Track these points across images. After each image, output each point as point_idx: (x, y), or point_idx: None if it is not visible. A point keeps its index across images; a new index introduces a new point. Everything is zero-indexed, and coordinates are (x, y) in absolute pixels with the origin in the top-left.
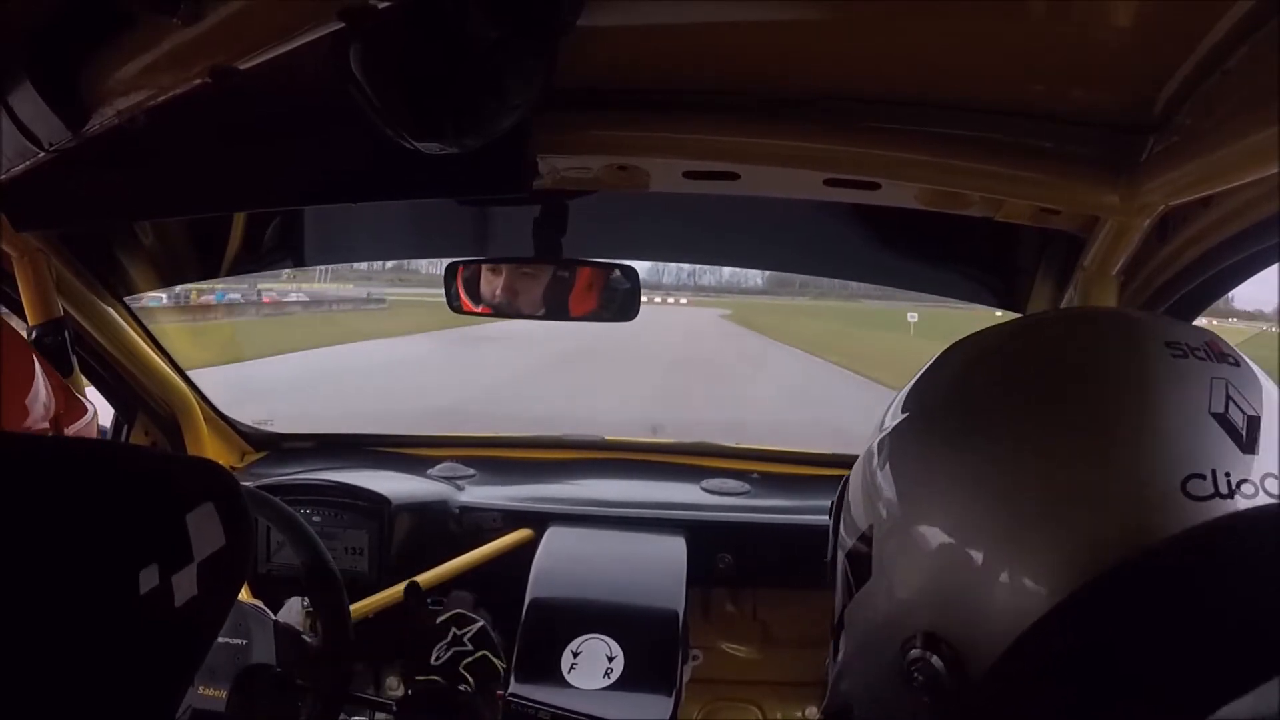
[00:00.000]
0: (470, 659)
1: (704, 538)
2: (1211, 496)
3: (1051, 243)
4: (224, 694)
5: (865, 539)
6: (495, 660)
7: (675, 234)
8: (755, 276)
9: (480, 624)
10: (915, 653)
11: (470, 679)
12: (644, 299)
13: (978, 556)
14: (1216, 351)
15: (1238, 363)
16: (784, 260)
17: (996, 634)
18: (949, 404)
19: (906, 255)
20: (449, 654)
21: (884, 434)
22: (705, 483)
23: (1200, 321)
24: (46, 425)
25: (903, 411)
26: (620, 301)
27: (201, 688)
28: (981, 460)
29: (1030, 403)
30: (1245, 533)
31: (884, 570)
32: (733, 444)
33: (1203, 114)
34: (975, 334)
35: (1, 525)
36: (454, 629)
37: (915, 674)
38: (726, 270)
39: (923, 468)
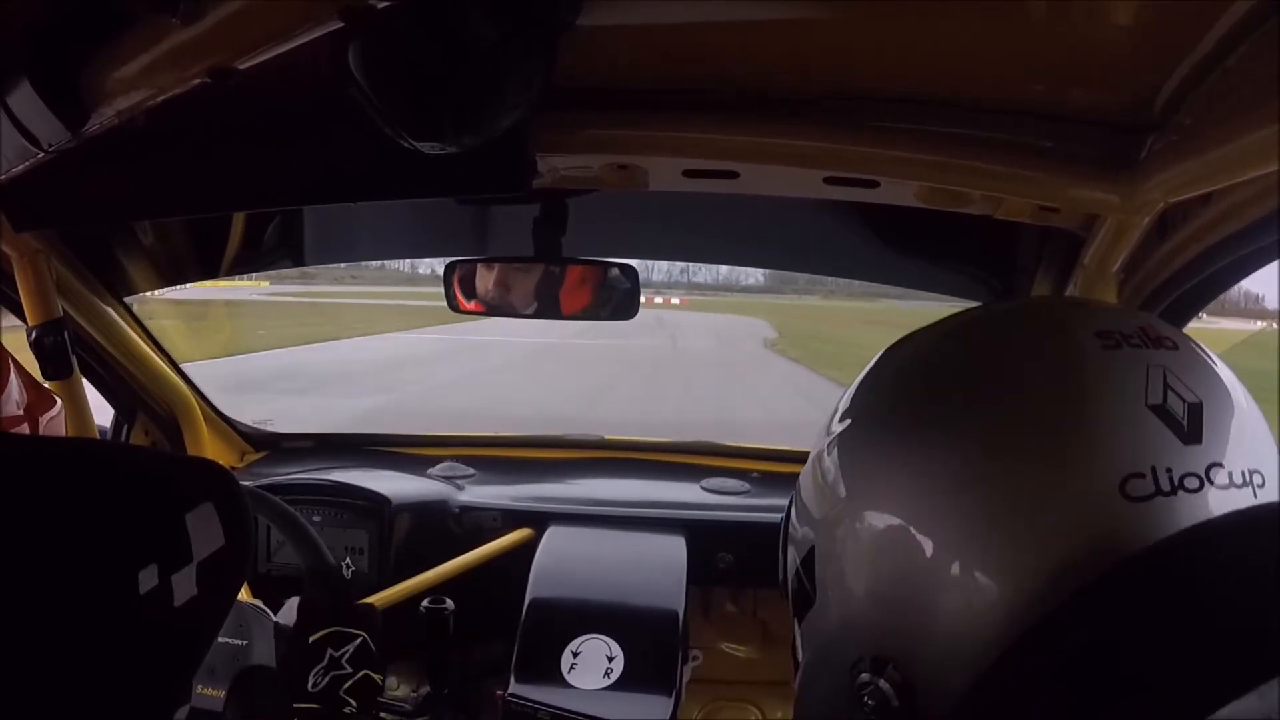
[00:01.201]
0: (350, 681)
1: (704, 537)
2: (1153, 495)
3: (1051, 241)
4: (223, 693)
5: (809, 558)
6: (375, 676)
7: (675, 233)
8: (755, 272)
9: (359, 639)
10: (864, 677)
11: (352, 702)
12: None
13: (921, 560)
14: (1152, 336)
15: (1176, 345)
16: (783, 259)
17: (943, 645)
18: (887, 406)
19: (906, 253)
20: (327, 679)
21: (825, 443)
22: (705, 482)
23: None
24: (20, 414)
25: (844, 419)
26: (619, 301)
27: (200, 688)
28: (919, 465)
29: (966, 403)
30: (1242, 532)
31: (827, 589)
32: (732, 443)
33: (1202, 112)
34: (913, 333)
35: (1, 525)
36: (330, 650)
37: (865, 698)
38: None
39: (860, 476)
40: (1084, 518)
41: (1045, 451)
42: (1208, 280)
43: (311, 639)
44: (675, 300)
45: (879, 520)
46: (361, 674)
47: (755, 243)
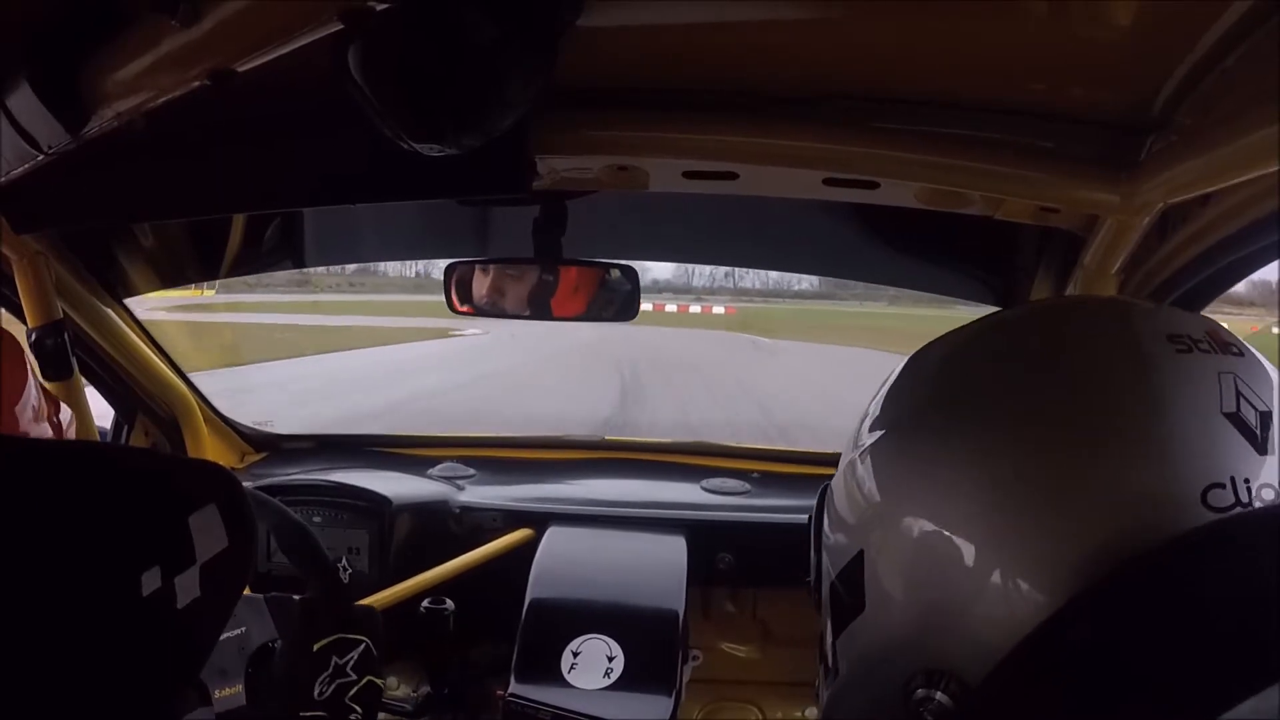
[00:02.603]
0: (356, 689)
1: (704, 537)
2: (1233, 506)
3: (1051, 241)
4: (240, 688)
5: (855, 565)
6: (378, 682)
7: (675, 234)
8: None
9: (363, 645)
10: (920, 693)
11: (357, 709)
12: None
13: (980, 567)
14: (1220, 342)
15: (1242, 352)
16: (784, 260)
17: (1000, 648)
18: (935, 409)
19: (906, 254)
20: (333, 688)
21: (859, 452)
22: (705, 482)
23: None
24: (49, 429)
25: (875, 429)
26: (620, 302)
27: (218, 691)
28: (977, 461)
29: (1029, 398)
30: (1250, 533)
31: (879, 601)
32: (732, 443)
33: (1202, 113)
34: (944, 336)
35: (5, 527)
36: (334, 658)
37: (924, 713)
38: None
39: (907, 482)
40: (1166, 525)
41: (1126, 457)
42: (1208, 281)
43: (316, 647)
44: (719, 309)
45: (932, 531)
46: (366, 680)
47: (756, 243)
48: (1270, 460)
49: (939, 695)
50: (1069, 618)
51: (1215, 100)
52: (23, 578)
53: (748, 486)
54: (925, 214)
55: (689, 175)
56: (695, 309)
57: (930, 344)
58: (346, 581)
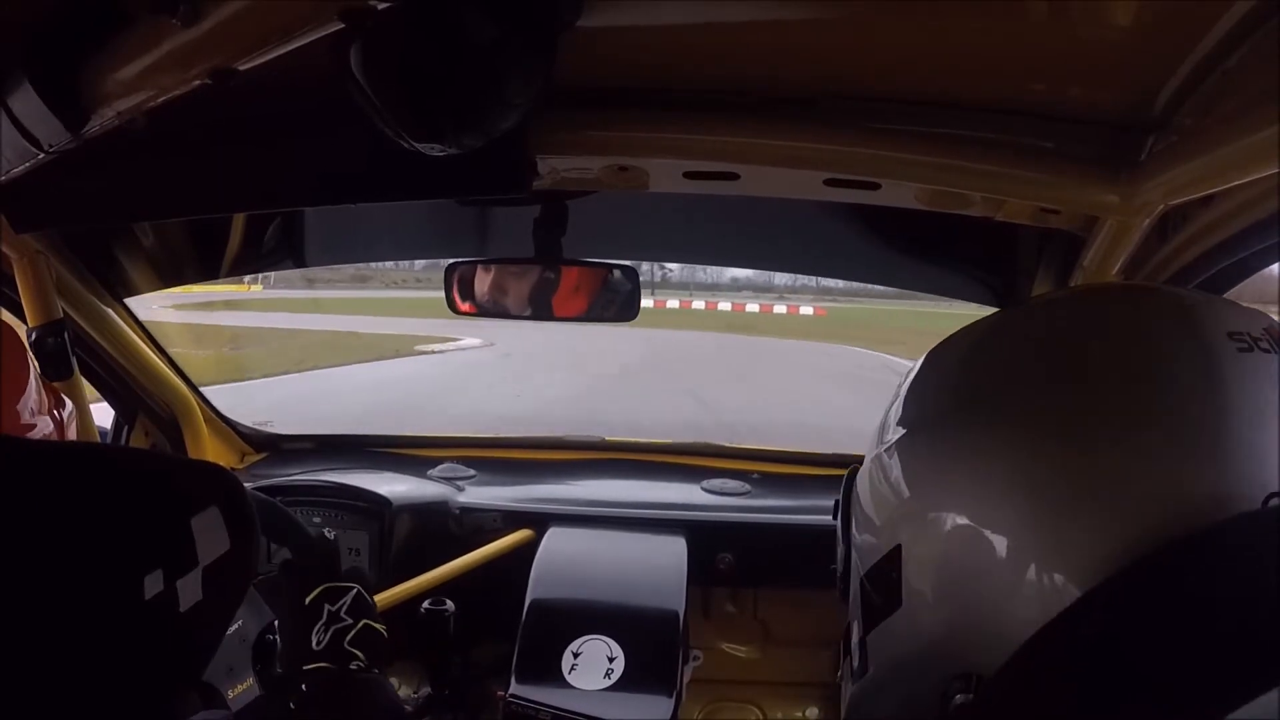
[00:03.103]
0: (353, 632)
1: (704, 538)
2: None
3: (1051, 242)
4: (251, 681)
5: (890, 562)
6: (376, 625)
7: (675, 234)
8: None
9: (354, 590)
10: (960, 699)
11: (359, 654)
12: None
13: (1016, 567)
14: (1277, 337)
15: None
16: (784, 260)
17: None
18: (970, 401)
19: (906, 255)
20: (330, 634)
21: (885, 447)
22: (705, 483)
23: None
24: (49, 422)
25: (904, 424)
26: (621, 302)
27: (230, 691)
28: (1019, 458)
29: (1077, 391)
30: (1256, 533)
31: (914, 599)
32: (732, 444)
33: (1202, 113)
34: (964, 329)
35: (6, 529)
36: (327, 605)
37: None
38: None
39: (944, 478)
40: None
41: (1188, 458)
42: (1208, 282)
43: (308, 600)
44: (806, 309)
45: (976, 525)
46: (362, 624)
47: (756, 244)
48: None
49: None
50: (1080, 613)
51: (1216, 101)
52: (25, 581)
53: (748, 487)
54: (926, 215)
55: (689, 176)
56: (780, 309)
57: (949, 339)
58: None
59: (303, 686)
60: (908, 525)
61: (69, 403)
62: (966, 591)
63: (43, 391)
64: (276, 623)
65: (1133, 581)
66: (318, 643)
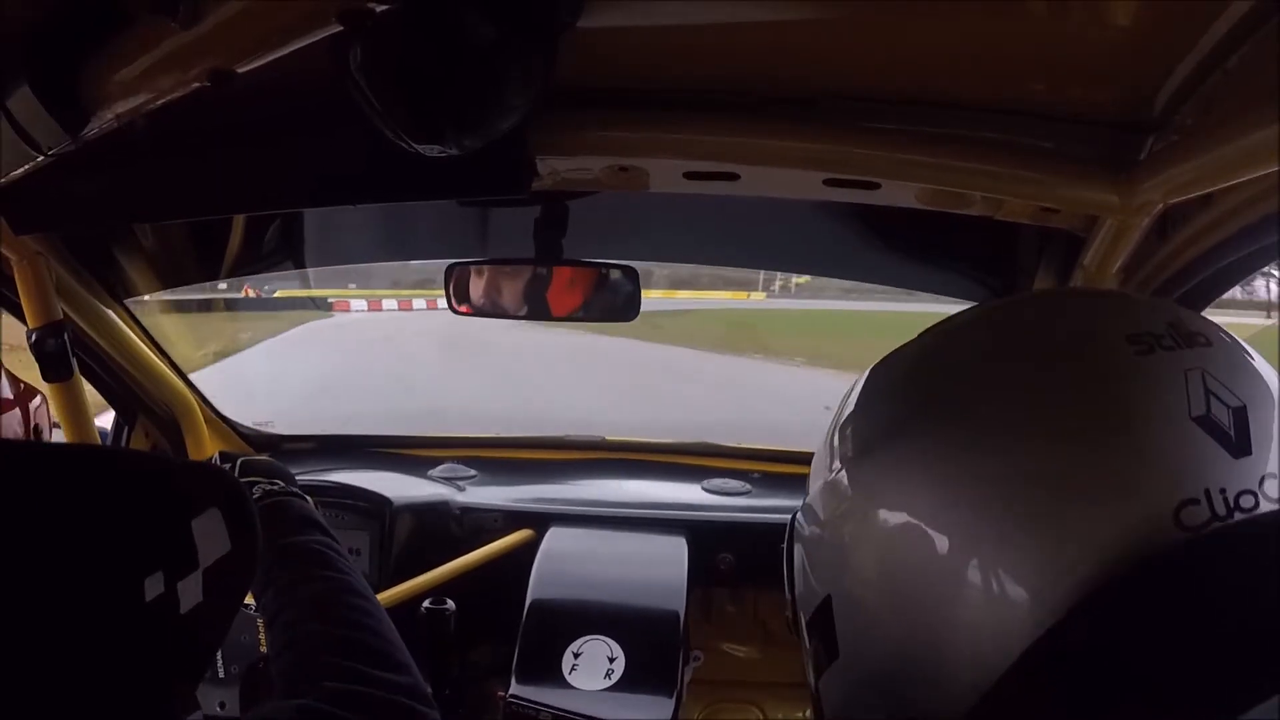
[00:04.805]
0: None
1: (705, 538)
2: (1208, 522)
3: (1051, 241)
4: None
5: (825, 609)
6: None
7: (675, 234)
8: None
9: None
10: None
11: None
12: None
13: (936, 569)
14: (1184, 334)
15: (1210, 341)
16: (784, 260)
17: (966, 659)
18: (891, 429)
19: (906, 254)
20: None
21: (828, 479)
22: (706, 483)
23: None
24: (16, 415)
25: (848, 447)
26: (622, 302)
27: (221, 706)
28: (946, 488)
29: (994, 414)
30: (1255, 539)
31: (850, 643)
32: (733, 443)
33: (1202, 113)
34: (899, 349)
35: (6, 531)
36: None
37: None
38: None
39: (882, 500)
40: (1134, 545)
41: (1089, 480)
42: (1208, 281)
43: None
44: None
45: (896, 533)
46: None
47: (757, 244)
48: (1248, 463)
49: None
50: (1069, 627)
51: (1216, 100)
52: (24, 582)
53: (748, 487)
54: (926, 214)
55: (689, 176)
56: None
57: (883, 361)
58: None
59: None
60: (845, 566)
61: (38, 394)
62: (907, 626)
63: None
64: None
65: (1127, 590)
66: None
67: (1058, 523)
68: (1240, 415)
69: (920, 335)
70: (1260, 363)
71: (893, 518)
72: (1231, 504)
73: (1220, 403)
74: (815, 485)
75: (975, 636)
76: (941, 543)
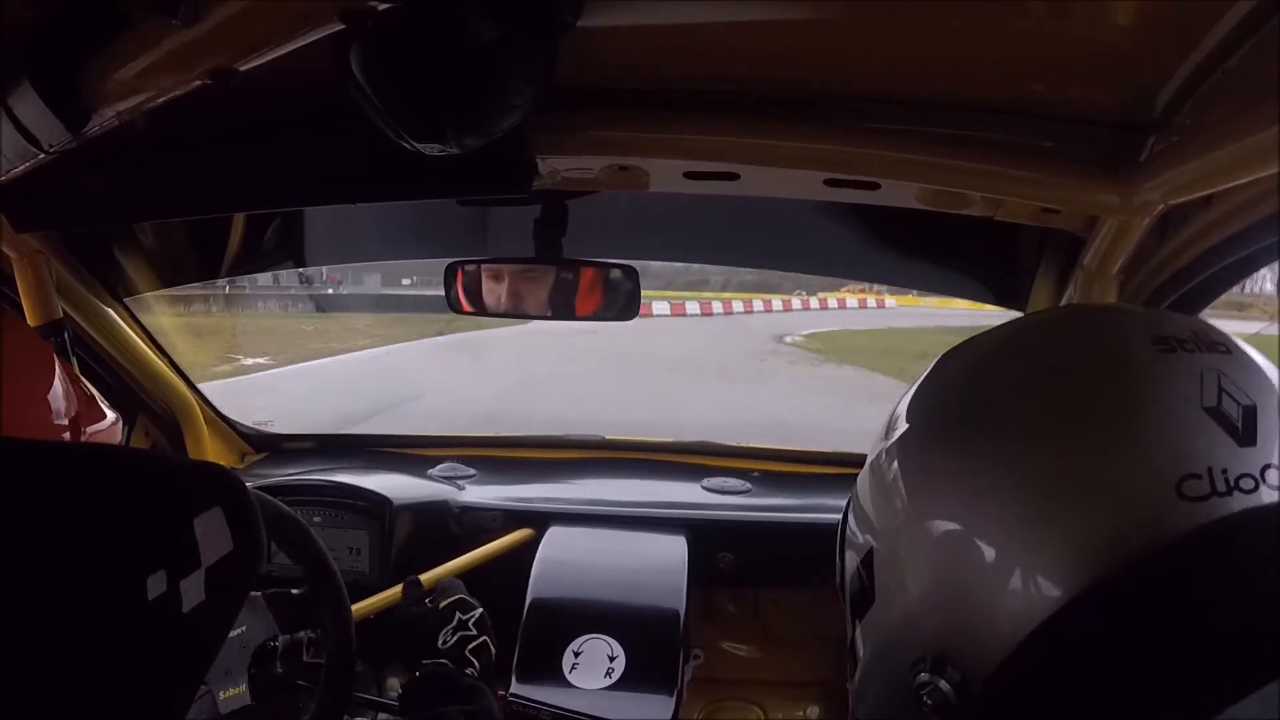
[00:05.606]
0: (475, 643)
1: (705, 537)
2: (1208, 496)
3: (1052, 242)
4: (244, 688)
5: (869, 559)
6: (492, 646)
7: (676, 234)
8: None
9: (480, 610)
10: (923, 677)
11: (475, 663)
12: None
13: (981, 560)
14: (1206, 341)
15: (1229, 350)
16: (784, 260)
17: (1001, 643)
18: (941, 413)
19: (907, 254)
20: (455, 638)
21: (882, 448)
22: (706, 482)
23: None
24: (65, 424)
25: (900, 426)
26: (622, 302)
27: (222, 693)
28: (978, 463)
29: (1021, 407)
30: (1253, 531)
31: (888, 590)
32: (733, 443)
33: (1203, 113)
34: (968, 340)
35: (9, 530)
36: (459, 613)
37: (925, 698)
38: None
39: (917, 482)
40: (1141, 517)
41: (1102, 453)
42: (1208, 281)
43: (441, 604)
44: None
45: (936, 524)
46: (482, 639)
47: (757, 243)
48: (1252, 451)
49: (941, 682)
50: (1073, 614)
51: (1216, 101)
52: (27, 581)
53: (748, 486)
54: (926, 214)
55: (689, 176)
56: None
57: (957, 347)
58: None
59: (415, 674)
60: (898, 519)
61: (104, 421)
62: (940, 581)
63: (73, 401)
64: (279, 640)
65: (1132, 579)
66: (443, 642)
67: (1079, 499)
68: (1250, 412)
69: (989, 332)
70: (1275, 373)
71: (929, 496)
72: (1232, 483)
73: (1232, 399)
74: (880, 447)
75: (1009, 624)
76: (978, 539)
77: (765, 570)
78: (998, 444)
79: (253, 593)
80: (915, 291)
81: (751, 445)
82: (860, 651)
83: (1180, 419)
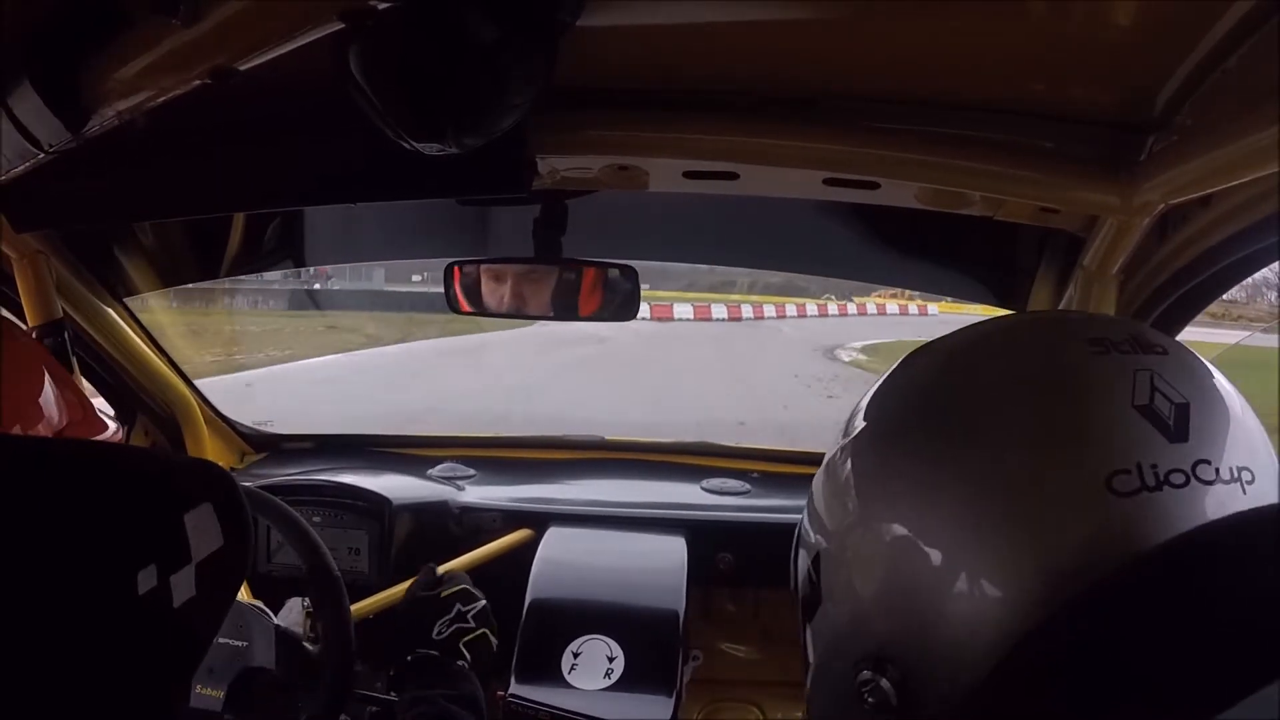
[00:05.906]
0: (471, 636)
1: (704, 537)
2: (1138, 491)
3: (1051, 242)
4: (222, 694)
5: (818, 561)
6: (492, 638)
7: (675, 234)
8: None
9: (483, 602)
10: (865, 675)
11: (468, 655)
12: None
13: (927, 562)
14: (1143, 343)
15: (1166, 351)
16: (784, 260)
17: (945, 646)
18: (893, 416)
19: (907, 254)
20: (451, 630)
21: (836, 449)
22: (705, 482)
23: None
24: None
25: (856, 427)
26: (621, 302)
27: (200, 687)
28: (923, 466)
29: (970, 409)
30: (1252, 531)
31: (835, 592)
32: (732, 443)
33: (1203, 113)
34: (928, 343)
35: (1, 525)
36: (459, 605)
37: (866, 696)
38: None
39: (866, 484)
40: (1073, 515)
41: (1036, 452)
42: (1208, 281)
43: (444, 594)
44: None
45: (884, 526)
46: (481, 631)
47: (756, 243)
48: (1184, 447)
49: (882, 681)
50: (1061, 621)
51: (1216, 101)
52: (16, 576)
53: (748, 486)
54: (926, 214)
55: (689, 175)
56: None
57: (917, 350)
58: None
59: (407, 659)
60: (847, 520)
61: (105, 431)
62: (890, 582)
63: (64, 408)
64: (271, 671)
65: (1119, 587)
66: (438, 633)
67: (1015, 505)
68: (1183, 410)
69: (947, 336)
70: (1217, 374)
71: (876, 498)
72: (1161, 478)
73: (1164, 398)
74: (835, 448)
75: (953, 627)
76: (924, 543)
77: (765, 571)
78: (940, 446)
79: (271, 620)
80: (915, 291)
81: (751, 446)
82: (809, 655)
83: (1111, 417)
